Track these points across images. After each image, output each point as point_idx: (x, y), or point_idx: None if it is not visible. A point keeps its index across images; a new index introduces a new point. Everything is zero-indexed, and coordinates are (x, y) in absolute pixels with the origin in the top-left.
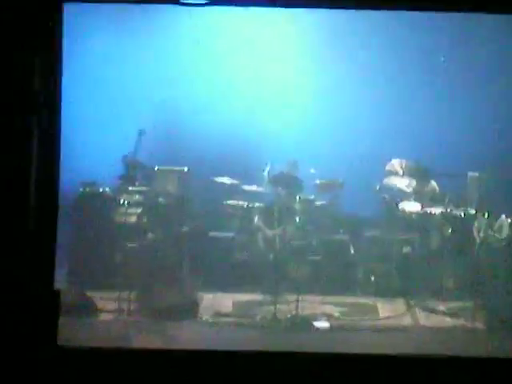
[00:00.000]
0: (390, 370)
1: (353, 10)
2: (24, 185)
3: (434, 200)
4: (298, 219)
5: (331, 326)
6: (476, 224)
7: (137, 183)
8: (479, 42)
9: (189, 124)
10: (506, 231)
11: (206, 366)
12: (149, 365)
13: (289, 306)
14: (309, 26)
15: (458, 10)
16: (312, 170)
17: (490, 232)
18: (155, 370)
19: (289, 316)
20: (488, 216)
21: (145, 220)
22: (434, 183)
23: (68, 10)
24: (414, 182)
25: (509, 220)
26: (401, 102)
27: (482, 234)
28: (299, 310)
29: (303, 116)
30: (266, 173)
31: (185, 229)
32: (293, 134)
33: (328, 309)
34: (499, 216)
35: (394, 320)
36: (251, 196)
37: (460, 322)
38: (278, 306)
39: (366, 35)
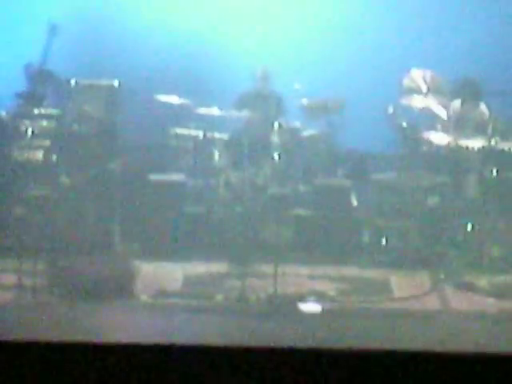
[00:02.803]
0: (406, 372)
1: None
2: None
3: (477, 129)
4: (276, 156)
5: (324, 310)
6: None
7: (45, 103)
8: None
9: (120, 19)
10: None
11: (144, 365)
12: (61, 363)
13: (263, 281)
14: None
15: None
16: (296, 86)
17: None
18: (71, 370)
19: (263, 296)
20: None
21: (56, 157)
22: (482, 105)
23: None
24: (444, 102)
25: None
26: None
27: None
28: (278, 287)
29: (282, 9)
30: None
31: (114, 169)
32: (267, 33)
33: (320, 285)
34: None
35: (415, 302)
36: (209, 123)
37: (509, 304)
38: (247, 281)
39: None
